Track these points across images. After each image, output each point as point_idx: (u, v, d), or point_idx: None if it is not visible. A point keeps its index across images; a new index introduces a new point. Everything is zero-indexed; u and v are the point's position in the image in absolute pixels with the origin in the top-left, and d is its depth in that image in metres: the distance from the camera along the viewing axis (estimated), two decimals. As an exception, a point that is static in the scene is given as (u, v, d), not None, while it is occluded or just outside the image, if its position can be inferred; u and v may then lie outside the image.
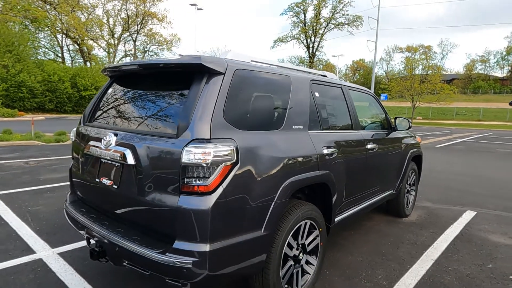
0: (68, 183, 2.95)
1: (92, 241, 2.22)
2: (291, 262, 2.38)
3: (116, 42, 48.39)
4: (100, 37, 46.78)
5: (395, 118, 4.03)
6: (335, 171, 2.69)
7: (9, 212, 4.21)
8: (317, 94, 2.81)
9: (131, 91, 2.50)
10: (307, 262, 2.55)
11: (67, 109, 32.28)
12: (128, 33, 47.95)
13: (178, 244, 1.80)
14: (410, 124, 3.99)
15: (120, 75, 2.64)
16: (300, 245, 2.45)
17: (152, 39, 50.79)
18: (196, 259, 1.76)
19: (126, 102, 2.48)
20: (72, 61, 46.04)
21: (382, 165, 3.69)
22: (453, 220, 4.44)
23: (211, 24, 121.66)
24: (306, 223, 2.44)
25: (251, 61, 2.40)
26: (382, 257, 3.31)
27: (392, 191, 4.07)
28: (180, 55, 2.43)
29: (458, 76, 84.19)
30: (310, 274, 2.56)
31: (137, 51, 50.39)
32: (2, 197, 4.82)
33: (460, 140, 17.73)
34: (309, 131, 2.57)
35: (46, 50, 42.68)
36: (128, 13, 46.39)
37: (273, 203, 2.08)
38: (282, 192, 2.13)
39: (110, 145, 2.15)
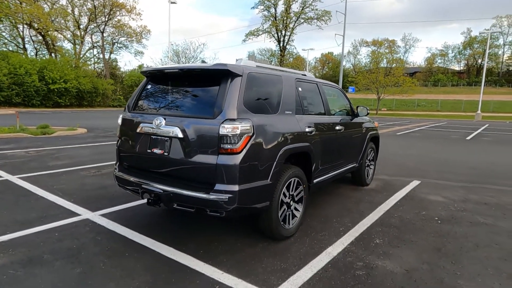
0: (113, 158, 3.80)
1: (145, 194, 3.15)
2: (285, 207, 3.41)
3: (82, 33, 47.12)
4: (65, 28, 45.48)
5: (357, 107, 5.18)
6: (313, 145, 3.76)
7: (39, 190, 4.95)
8: (300, 89, 3.85)
9: (170, 87, 3.42)
10: (295, 209, 3.60)
11: (35, 103, 31.50)
12: (95, 24, 46.83)
13: (218, 186, 2.79)
14: (368, 111, 5.15)
15: (156, 75, 3.54)
16: (291, 195, 3.49)
17: (120, 31, 49.76)
18: (231, 195, 2.76)
19: (167, 94, 3.40)
20: (36, 53, 44.41)
21: (347, 143, 4.81)
22: (402, 187, 5.69)
23: (183, 17, 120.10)
24: (295, 180, 3.49)
25: (256, 66, 3.39)
26: (347, 210, 4.44)
27: (355, 164, 5.22)
28: (203, 61, 3.41)
29: (420, 69, 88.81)
30: (297, 217, 3.62)
31: (105, 43, 49.27)
32: (25, 179, 5.53)
33: (418, 129, 19.62)
34: (296, 115, 3.60)
35: (8, 41, 40.99)
36: (95, 4, 45.27)
37: (275, 162, 3.11)
38: (280, 156, 3.16)
39: (161, 125, 3.08)
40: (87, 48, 49.37)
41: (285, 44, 49.90)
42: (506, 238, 3.64)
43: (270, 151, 3.08)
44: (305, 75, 4.22)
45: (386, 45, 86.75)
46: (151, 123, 3.17)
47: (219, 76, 3.01)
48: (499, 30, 71.50)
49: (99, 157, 7.61)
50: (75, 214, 4.05)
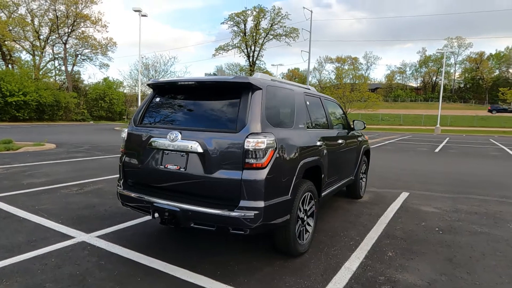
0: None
1: (157, 213, 2.96)
2: (300, 222, 3.35)
3: (43, 44, 44.99)
4: (24, 38, 43.22)
5: (353, 121, 5.28)
6: (323, 158, 3.75)
7: (20, 211, 4.53)
8: (308, 103, 3.86)
9: (183, 100, 3.28)
10: (308, 224, 3.55)
11: (-11, 117, 29.41)
12: (57, 35, 44.94)
13: (243, 203, 2.67)
14: (365, 125, 5.26)
15: (166, 88, 3.39)
16: (304, 210, 3.44)
17: (84, 43, 48.08)
18: (257, 212, 2.66)
19: (181, 107, 3.25)
20: (-10, 64, 41.66)
21: (346, 156, 4.86)
22: (394, 198, 5.82)
23: (150, 30, 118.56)
24: (308, 194, 3.44)
25: (271, 79, 3.35)
26: (350, 223, 4.45)
27: (352, 177, 5.28)
28: (206, 73, 3.31)
29: (380, 85, 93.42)
30: (309, 232, 3.56)
31: (67, 55, 47.30)
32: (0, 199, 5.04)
33: (388, 142, 20.43)
34: (307, 129, 3.59)
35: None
36: (58, 14, 43.55)
37: (295, 176, 3.05)
38: (299, 170, 3.11)
39: (177, 139, 2.93)
40: (48, 59, 47.20)
41: (254, 59, 50.60)
42: (506, 246, 3.80)
43: (291, 165, 3.03)
44: (309, 89, 4.24)
45: (349, 62, 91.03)
46: (165, 138, 3.01)
47: (240, 89, 2.94)
48: (451, 50, 77.24)
49: (78, 174, 7.14)
50: (68, 236, 3.72)
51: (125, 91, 56.41)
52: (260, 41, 49.47)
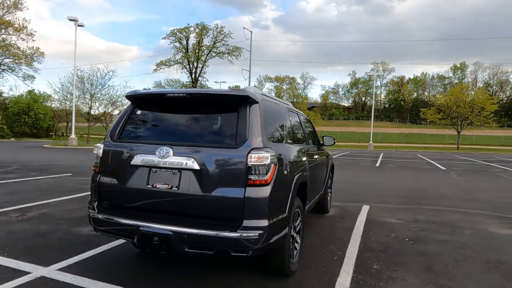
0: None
1: (142, 238, 2.64)
2: (290, 240, 3.25)
3: (-48, 51, 39.69)
4: None
5: (323, 137, 5.40)
6: (308, 173, 3.73)
7: (-51, 244, 3.77)
8: (290, 118, 3.84)
9: (170, 113, 3.02)
10: (295, 241, 3.46)
11: None
12: (-29, 42, 40.04)
13: (246, 223, 2.50)
14: (335, 141, 5.41)
15: (147, 100, 3.11)
16: (294, 227, 3.35)
17: (5, 51, 43.44)
18: (261, 231, 2.50)
19: (168, 121, 2.99)
20: None
21: (319, 171, 4.92)
22: (358, 211, 6.02)
23: (87, 42, 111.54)
24: (297, 210, 3.37)
25: (261, 94, 3.27)
26: (327, 238, 4.46)
27: (321, 192, 5.35)
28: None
29: (316, 104, 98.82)
30: (297, 249, 3.47)
31: (-16, 64, 42.29)
32: None
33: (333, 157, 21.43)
34: (293, 145, 3.55)
35: None
36: (-28, 19, 38.93)
37: (291, 193, 2.97)
38: (294, 186, 3.04)
39: (168, 156, 2.67)
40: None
41: (197, 76, 50.17)
42: (471, 252, 4.09)
43: (288, 181, 2.94)
44: (288, 104, 4.24)
45: (287, 81, 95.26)
46: (153, 154, 2.73)
47: (236, 102, 2.80)
48: (377, 73, 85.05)
49: (13, 198, 6.21)
50: (22, 272, 3.15)
51: (53, 105, 51.87)
52: (203, 58, 49.37)
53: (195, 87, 49.74)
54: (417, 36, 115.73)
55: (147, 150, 2.79)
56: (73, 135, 28.96)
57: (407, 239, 4.52)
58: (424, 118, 49.74)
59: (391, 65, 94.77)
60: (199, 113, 2.97)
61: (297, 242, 3.47)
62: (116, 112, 38.45)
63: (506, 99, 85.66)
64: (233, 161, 2.59)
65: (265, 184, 2.57)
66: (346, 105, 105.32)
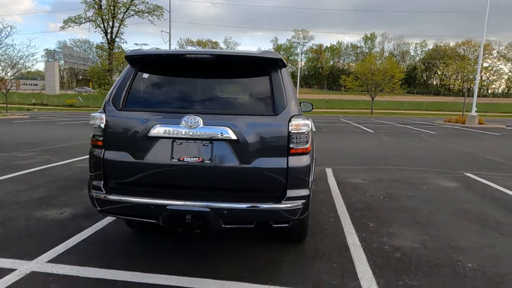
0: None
1: (169, 218, 2.39)
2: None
3: None
4: None
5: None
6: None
7: None
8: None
9: (189, 78, 2.64)
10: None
11: None
12: None
13: (290, 193, 2.41)
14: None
15: (162, 62, 2.68)
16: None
17: None
18: (304, 201, 2.44)
19: (190, 87, 2.62)
20: None
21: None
22: (325, 174, 6.33)
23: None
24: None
25: None
26: (313, 201, 4.62)
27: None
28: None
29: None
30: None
31: None
32: None
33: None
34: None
35: None
36: None
37: (314, 160, 2.93)
38: (315, 153, 3.00)
39: (197, 126, 2.37)
40: None
41: (113, 37, 45.49)
42: (438, 204, 4.63)
43: (313, 149, 2.89)
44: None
45: (210, 46, 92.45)
46: (177, 124, 2.40)
47: (268, 66, 2.57)
48: (298, 41, 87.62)
49: None
50: (6, 270, 2.62)
51: None
52: (120, 17, 44.73)
53: (112, 49, 45.26)
54: (334, 5, 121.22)
55: (168, 119, 2.44)
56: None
57: (381, 197, 4.92)
58: (341, 85, 53.48)
59: (310, 32, 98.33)
60: (226, 77, 2.68)
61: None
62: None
63: (406, 68, 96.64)
64: (273, 130, 2.43)
65: (306, 152, 2.48)
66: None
